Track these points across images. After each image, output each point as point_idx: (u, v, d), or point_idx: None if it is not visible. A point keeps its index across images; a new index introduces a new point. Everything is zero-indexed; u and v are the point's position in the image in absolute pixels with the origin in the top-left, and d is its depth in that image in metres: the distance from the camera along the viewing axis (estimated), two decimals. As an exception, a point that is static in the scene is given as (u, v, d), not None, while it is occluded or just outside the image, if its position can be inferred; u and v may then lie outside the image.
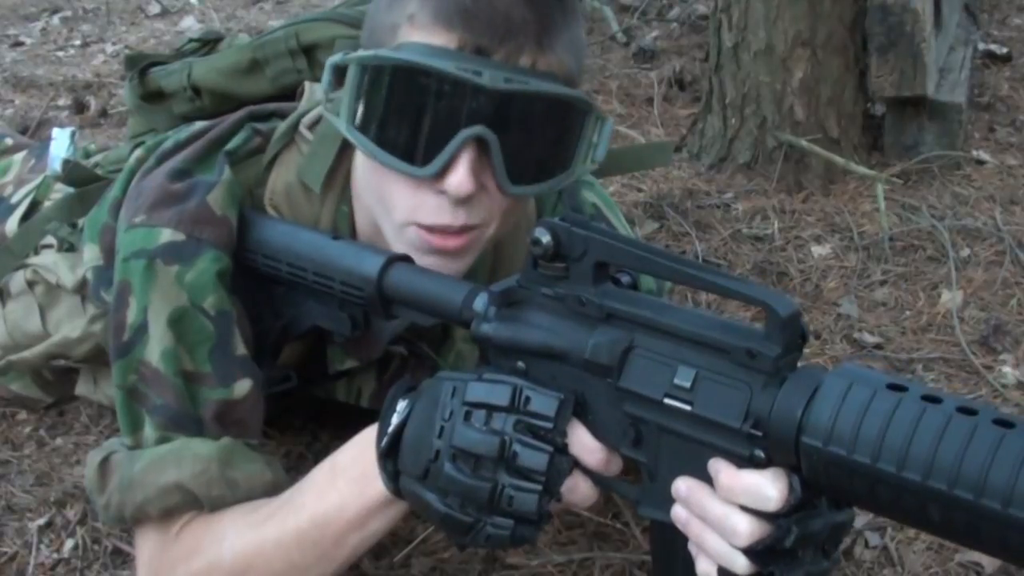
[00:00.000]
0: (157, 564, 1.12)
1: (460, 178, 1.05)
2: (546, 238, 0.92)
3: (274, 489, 1.12)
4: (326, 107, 1.11)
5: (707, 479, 0.86)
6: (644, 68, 3.10)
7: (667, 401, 0.87)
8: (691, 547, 0.88)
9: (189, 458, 1.10)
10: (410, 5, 1.06)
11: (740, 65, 2.42)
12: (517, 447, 0.91)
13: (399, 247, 1.13)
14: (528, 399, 0.92)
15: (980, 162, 2.48)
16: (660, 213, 2.26)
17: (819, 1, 2.34)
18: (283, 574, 1.06)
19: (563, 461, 0.93)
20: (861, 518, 1.36)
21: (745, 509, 0.82)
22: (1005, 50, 3.08)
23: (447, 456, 0.93)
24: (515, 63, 1.04)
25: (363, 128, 1.08)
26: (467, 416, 0.93)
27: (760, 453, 0.82)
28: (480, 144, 1.05)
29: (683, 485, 0.87)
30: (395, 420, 0.98)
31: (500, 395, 0.93)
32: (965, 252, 2.09)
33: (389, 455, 0.98)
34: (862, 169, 2.35)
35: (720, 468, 0.84)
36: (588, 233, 0.92)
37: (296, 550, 1.05)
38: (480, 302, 1.00)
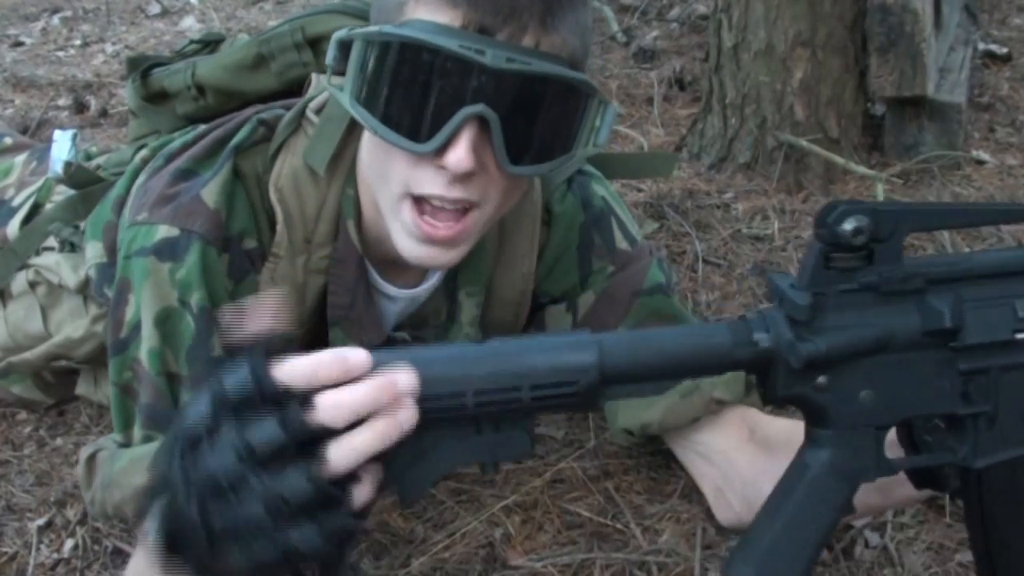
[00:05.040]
0: None
1: (460, 155, 1.04)
2: (864, 222, 0.84)
3: None
4: (330, 83, 1.10)
5: None
6: (644, 68, 3.10)
7: (1019, 336, 0.88)
8: None
9: None
10: None
11: (740, 65, 2.42)
12: (245, 433, 0.67)
13: (395, 231, 1.12)
14: (220, 381, 0.69)
15: (980, 162, 2.48)
16: (660, 213, 2.26)
17: (819, 1, 2.34)
18: None
19: (294, 410, 0.68)
20: (861, 518, 1.36)
21: None
22: (1005, 50, 3.08)
23: (199, 512, 0.67)
24: (518, 43, 1.03)
25: (366, 104, 1.08)
26: (183, 455, 0.69)
27: None
28: (481, 123, 1.05)
29: None
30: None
31: (200, 409, 0.69)
32: (965, 252, 2.09)
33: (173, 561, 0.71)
34: (862, 169, 2.35)
35: None
36: (898, 209, 0.89)
37: None
38: (768, 327, 0.84)
